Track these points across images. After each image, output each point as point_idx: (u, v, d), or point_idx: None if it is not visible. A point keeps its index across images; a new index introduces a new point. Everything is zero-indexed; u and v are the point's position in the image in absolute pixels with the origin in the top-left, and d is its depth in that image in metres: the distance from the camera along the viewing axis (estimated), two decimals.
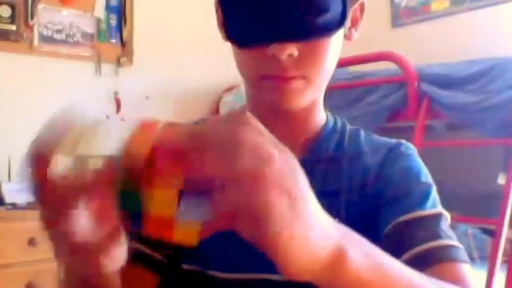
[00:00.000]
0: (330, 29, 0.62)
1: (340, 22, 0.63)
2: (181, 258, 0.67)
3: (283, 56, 0.59)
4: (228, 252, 0.64)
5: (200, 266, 0.65)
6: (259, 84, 0.64)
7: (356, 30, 0.71)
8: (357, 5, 0.70)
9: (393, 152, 0.71)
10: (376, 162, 0.70)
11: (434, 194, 0.68)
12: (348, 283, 0.38)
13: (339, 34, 0.65)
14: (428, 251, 0.60)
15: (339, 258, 0.37)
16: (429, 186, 0.68)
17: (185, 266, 0.66)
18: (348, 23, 0.67)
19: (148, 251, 0.67)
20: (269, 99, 0.65)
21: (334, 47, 0.65)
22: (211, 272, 0.65)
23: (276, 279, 0.63)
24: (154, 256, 0.67)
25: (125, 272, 0.53)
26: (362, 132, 0.75)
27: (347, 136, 0.73)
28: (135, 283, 0.63)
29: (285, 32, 0.60)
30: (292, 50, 0.60)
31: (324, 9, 0.60)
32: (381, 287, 0.40)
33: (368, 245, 0.41)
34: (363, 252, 0.39)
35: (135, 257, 0.65)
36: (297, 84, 0.62)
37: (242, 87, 0.75)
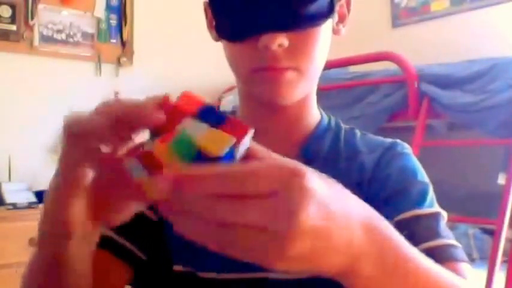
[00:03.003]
0: (318, 18, 0.63)
1: (328, 12, 0.64)
2: (169, 258, 0.66)
3: (274, 46, 0.60)
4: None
5: (192, 267, 0.65)
6: (252, 78, 0.64)
7: (344, 26, 0.71)
8: (343, 1, 0.71)
9: (390, 152, 0.71)
10: (372, 162, 0.70)
11: (431, 193, 0.68)
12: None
13: (328, 27, 0.66)
14: (428, 251, 0.60)
15: (348, 274, 0.39)
16: (426, 185, 0.69)
17: (176, 268, 0.66)
18: (335, 17, 0.68)
19: (126, 243, 0.65)
20: (262, 93, 0.65)
21: (324, 39, 0.65)
22: (204, 274, 0.64)
23: (274, 277, 0.63)
24: (126, 246, 0.65)
25: (98, 261, 0.54)
26: (357, 132, 0.75)
27: (342, 135, 0.74)
28: (104, 271, 0.62)
29: (274, 22, 0.60)
30: (282, 39, 0.60)
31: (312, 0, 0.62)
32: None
33: (396, 254, 0.42)
34: (384, 267, 0.40)
35: (110, 246, 0.64)
36: (289, 76, 0.63)
37: None
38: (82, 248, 0.49)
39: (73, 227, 0.44)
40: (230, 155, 0.37)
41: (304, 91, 0.67)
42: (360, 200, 0.42)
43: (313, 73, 0.67)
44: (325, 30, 0.65)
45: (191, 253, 0.63)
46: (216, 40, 0.69)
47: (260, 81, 0.64)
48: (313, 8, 0.62)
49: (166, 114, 0.38)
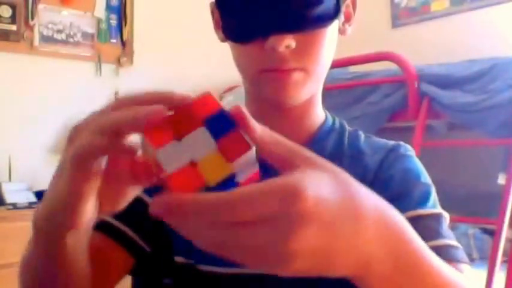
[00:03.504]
0: (325, 20, 0.63)
1: (334, 13, 0.64)
2: (170, 249, 0.66)
3: (281, 48, 0.60)
4: None
5: (193, 260, 0.65)
6: (259, 79, 0.65)
7: (350, 26, 0.72)
8: (349, 1, 0.71)
9: (393, 154, 0.71)
10: (375, 163, 0.70)
11: (434, 195, 0.69)
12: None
13: (334, 27, 0.66)
14: None
15: (359, 276, 0.39)
16: (429, 186, 0.69)
17: (177, 259, 0.66)
18: (341, 17, 0.68)
19: (129, 232, 0.66)
20: (269, 93, 0.65)
21: (330, 40, 0.66)
22: (205, 267, 0.65)
23: (275, 274, 0.63)
24: (130, 236, 0.66)
25: (96, 247, 0.55)
26: (361, 133, 0.76)
27: (346, 136, 0.74)
28: (105, 259, 0.62)
29: (281, 24, 0.61)
30: (289, 41, 0.61)
31: (319, 1, 0.62)
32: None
33: (407, 253, 0.42)
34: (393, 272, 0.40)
35: (114, 234, 0.65)
36: (296, 76, 0.63)
37: (242, 87, 0.75)
38: (82, 238, 0.49)
39: (86, 220, 0.43)
40: (231, 182, 0.37)
41: (310, 91, 0.68)
42: (373, 197, 0.41)
43: (319, 73, 0.67)
44: (331, 31, 0.65)
45: (193, 245, 0.64)
46: (223, 41, 0.69)
47: (267, 82, 0.64)
48: (319, 9, 0.62)
49: (180, 113, 0.38)
